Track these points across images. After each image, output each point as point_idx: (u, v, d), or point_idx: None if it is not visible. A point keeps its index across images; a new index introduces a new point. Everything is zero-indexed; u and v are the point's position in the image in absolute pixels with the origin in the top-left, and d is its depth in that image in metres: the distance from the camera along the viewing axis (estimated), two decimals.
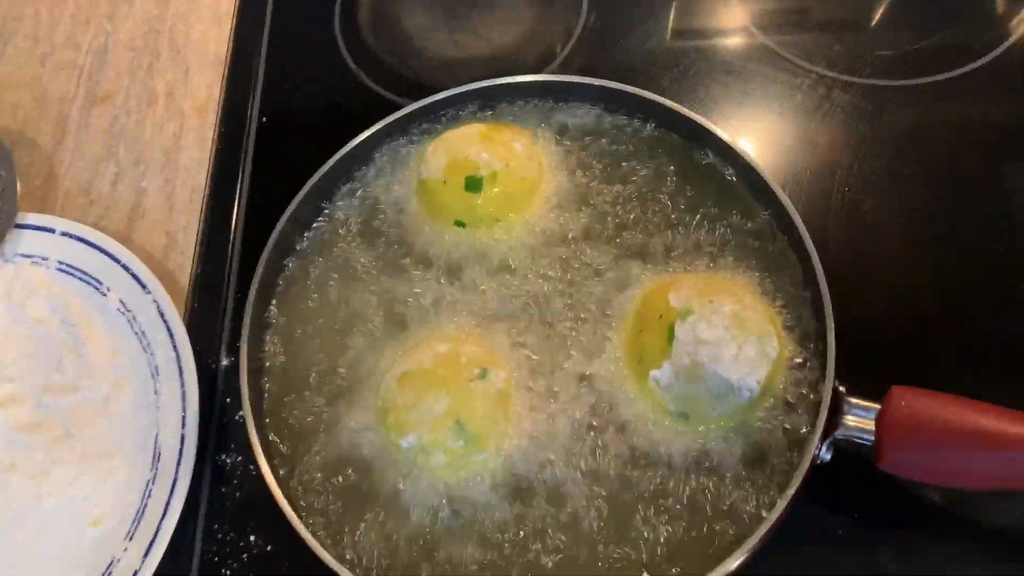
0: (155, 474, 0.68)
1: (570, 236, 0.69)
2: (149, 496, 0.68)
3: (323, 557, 0.58)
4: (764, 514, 0.57)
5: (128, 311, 0.74)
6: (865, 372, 0.61)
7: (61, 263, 0.76)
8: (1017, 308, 0.69)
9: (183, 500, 0.66)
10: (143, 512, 0.67)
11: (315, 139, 0.78)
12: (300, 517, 0.60)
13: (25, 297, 0.76)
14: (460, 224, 0.70)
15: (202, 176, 0.83)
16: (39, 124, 0.88)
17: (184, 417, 0.69)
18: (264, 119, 0.85)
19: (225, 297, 0.77)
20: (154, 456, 0.69)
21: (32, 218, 0.78)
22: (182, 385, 0.70)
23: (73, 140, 0.87)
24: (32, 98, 0.90)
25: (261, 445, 0.63)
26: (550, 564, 0.59)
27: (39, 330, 0.75)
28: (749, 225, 0.68)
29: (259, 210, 0.80)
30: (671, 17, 0.87)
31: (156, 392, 0.71)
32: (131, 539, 0.66)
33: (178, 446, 0.68)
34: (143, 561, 0.65)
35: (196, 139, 0.85)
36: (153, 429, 0.70)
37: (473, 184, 0.68)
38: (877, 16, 0.85)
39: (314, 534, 0.60)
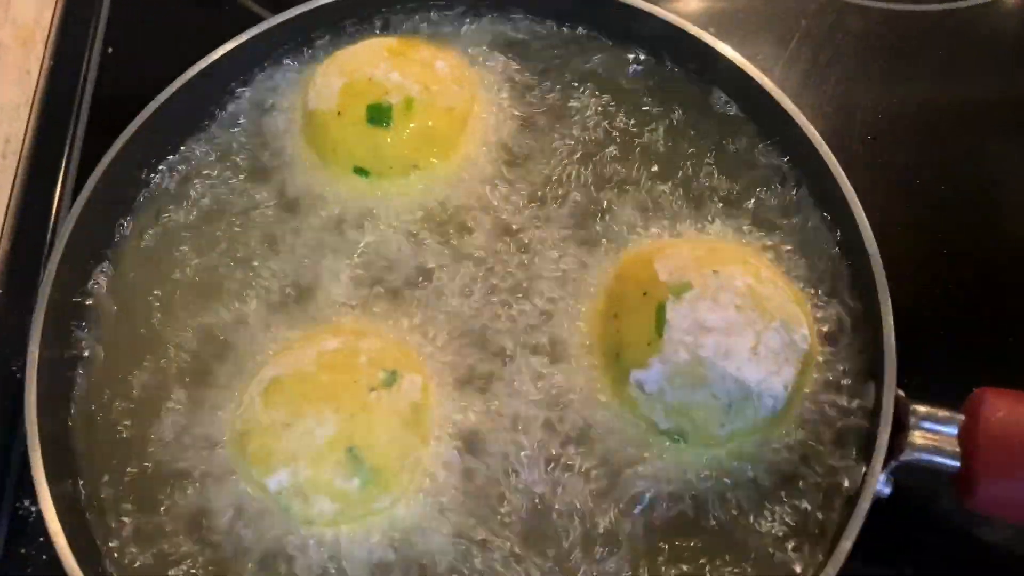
0: None
1: (515, 189, 0.51)
2: None
3: None
4: None
5: None
6: (928, 372, 0.44)
7: None
8: None
9: None
10: None
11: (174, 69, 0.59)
12: None
13: None
14: (361, 172, 0.51)
15: (19, 125, 0.66)
16: None
17: None
18: (109, 49, 0.68)
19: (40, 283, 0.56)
20: None
21: None
22: None
23: None
24: None
25: (54, 500, 0.43)
26: None
27: None
28: (758, 172, 0.51)
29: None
30: None
31: None
32: None
33: None
34: None
35: (15, 77, 0.67)
36: None
37: (379, 115, 0.50)
38: None
39: None
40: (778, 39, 0.65)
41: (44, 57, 0.68)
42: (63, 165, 0.64)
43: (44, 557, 0.49)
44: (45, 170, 0.63)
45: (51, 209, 0.62)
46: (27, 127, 0.66)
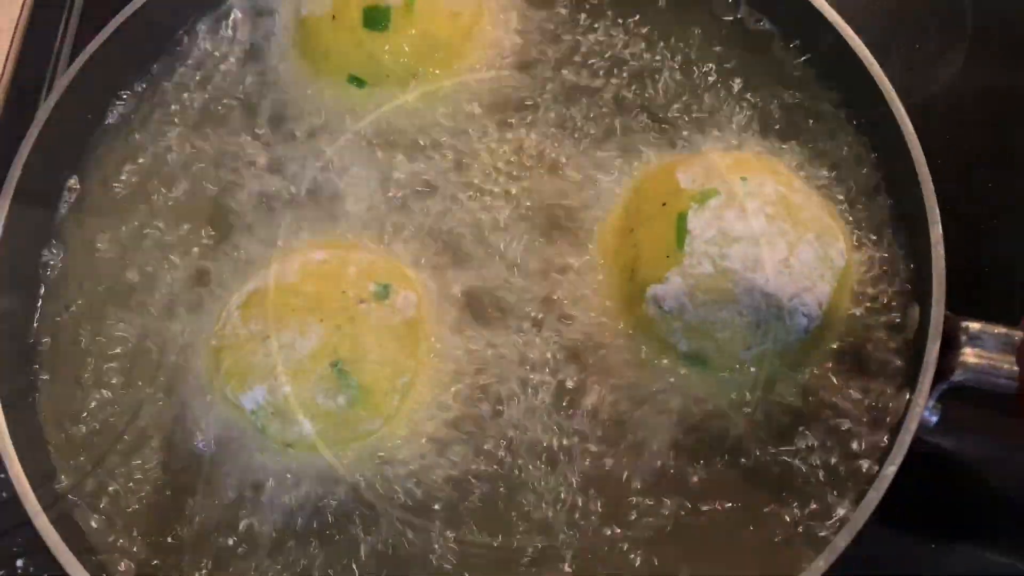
0: None
1: (527, 102, 0.47)
2: None
3: None
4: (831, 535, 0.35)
5: None
6: (979, 289, 0.39)
7: None
8: None
9: None
10: None
11: None
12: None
13: None
14: (356, 81, 0.47)
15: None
16: None
17: None
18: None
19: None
20: None
21: None
22: None
23: None
24: None
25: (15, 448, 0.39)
26: None
27: None
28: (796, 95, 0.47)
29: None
30: None
31: None
32: None
33: None
34: None
35: None
36: None
37: (376, 18, 0.45)
38: None
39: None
40: None
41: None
42: (54, 50, 0.60)
43: None
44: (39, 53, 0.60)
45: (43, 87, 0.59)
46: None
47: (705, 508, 0.39)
